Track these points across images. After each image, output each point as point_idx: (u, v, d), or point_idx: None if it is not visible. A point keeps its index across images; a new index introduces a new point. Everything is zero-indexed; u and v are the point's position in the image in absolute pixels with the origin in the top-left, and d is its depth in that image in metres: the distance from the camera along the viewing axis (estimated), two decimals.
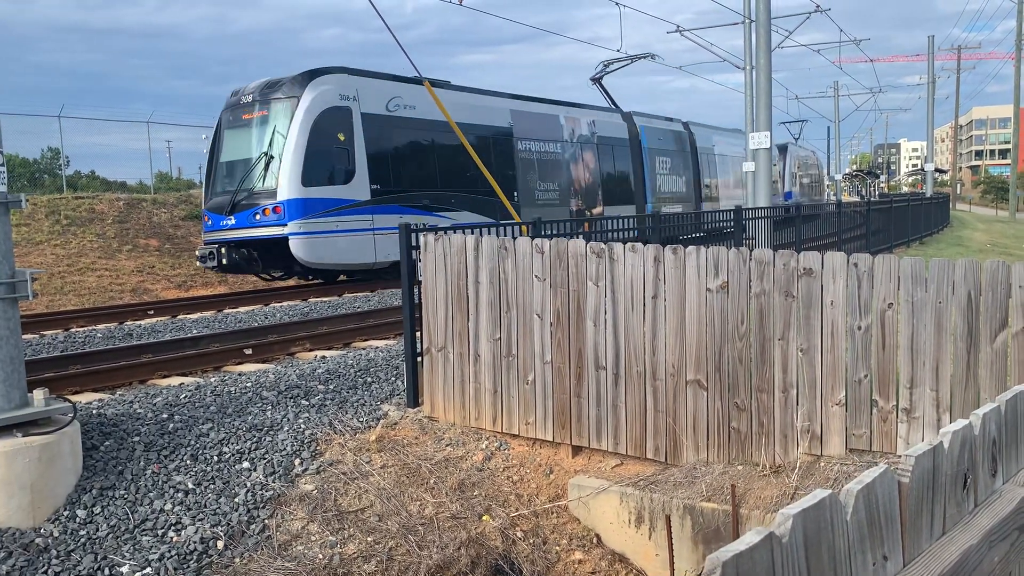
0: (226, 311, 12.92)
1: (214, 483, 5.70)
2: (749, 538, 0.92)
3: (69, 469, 5.35)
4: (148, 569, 4.85)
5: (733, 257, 5.61)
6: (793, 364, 5.47)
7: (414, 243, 6.91)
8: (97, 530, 5.08)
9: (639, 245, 5.89)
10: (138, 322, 11.80)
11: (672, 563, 5.16)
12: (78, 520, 5.12)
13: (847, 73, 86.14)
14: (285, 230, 14.32)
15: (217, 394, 6.94)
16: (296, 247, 14.45)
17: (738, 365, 5.62)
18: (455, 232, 6.71)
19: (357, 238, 15.28)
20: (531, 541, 5.56)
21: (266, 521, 5.43)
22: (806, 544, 1.01)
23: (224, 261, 14.88)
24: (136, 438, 5.98)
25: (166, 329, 11.04)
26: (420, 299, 6.92)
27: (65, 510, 5.16)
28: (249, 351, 8.85)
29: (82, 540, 4.98)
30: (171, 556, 4.98)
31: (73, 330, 11.04)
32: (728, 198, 29.65)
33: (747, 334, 5.57)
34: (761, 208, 14.05)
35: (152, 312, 12.63)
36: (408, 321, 7.01)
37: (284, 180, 14.41)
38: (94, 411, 6.33)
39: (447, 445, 6.42)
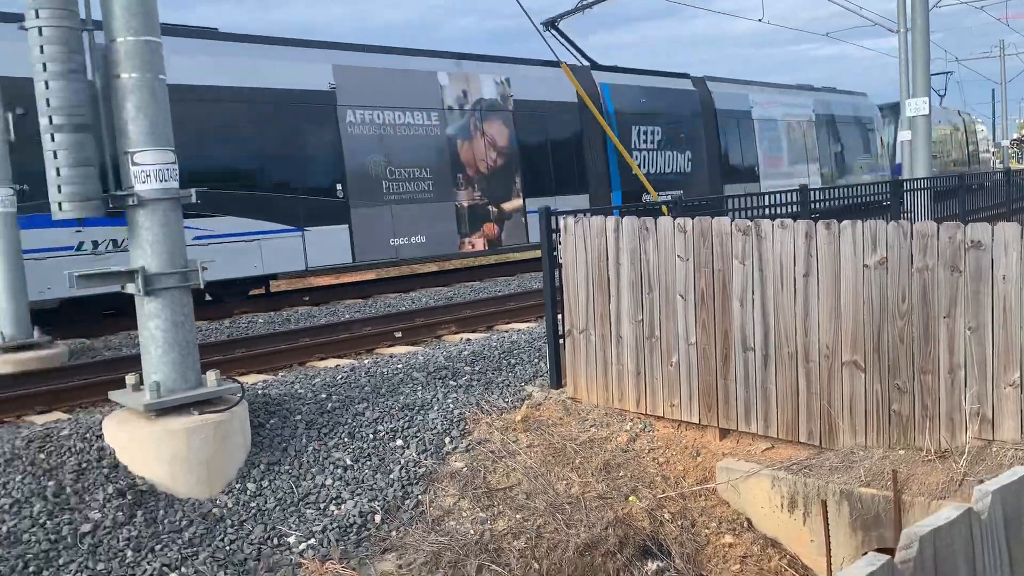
0: (375, 297, 13.46)
1: (370, 460, 5.96)
2: (947, 513, 0.88)
3: (239, 445, 5.73)
4: (312, 540, 5.14)
5: (892, 231, 5.31)
6: (960, 343, 5.13)
7: (554, 226, 6.95)
8: (266, 502, 5.43)
9: (788, 221, 5.69)
10: (295, 309, 12.47)
11: (828, 549, 4.98)
12: (248, 493, 5.48)
13: (1014, 30, 79.42)
14: None
15: (371, 375, 7.25)
16: None
17: (899, 345, 5.33)
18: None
19: None
20: (679, 523, 5.51)
21: (419, 497, 5.64)
22: (1006, 520, 0.96)
23: None
24: (298, 416, 6.33)
25: (321, 315, 11.62)
26: (561, 282, 6.96)
27: (237, 483, 5.53)
28: (399, 334, 9.19)
29: (253, 511, 5.34)
30: (333, 528, 5.26)
31: (236, 316, 11.79)
32: (779, 175, 22.48)
33: (908, 312, 5.28)
34: (920, 179, 13.23)
35: (307, 299, 13.30)
36: (550, 304, 7.07)
37: None
38: (259, 391, 6.75)
39: (591, 426, 6.44)
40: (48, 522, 4.86)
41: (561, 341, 7.02)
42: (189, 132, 11.54)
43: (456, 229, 15.08)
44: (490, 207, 15.65)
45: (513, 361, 7.94)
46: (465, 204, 15.28)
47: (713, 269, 5.98)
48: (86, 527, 4.88)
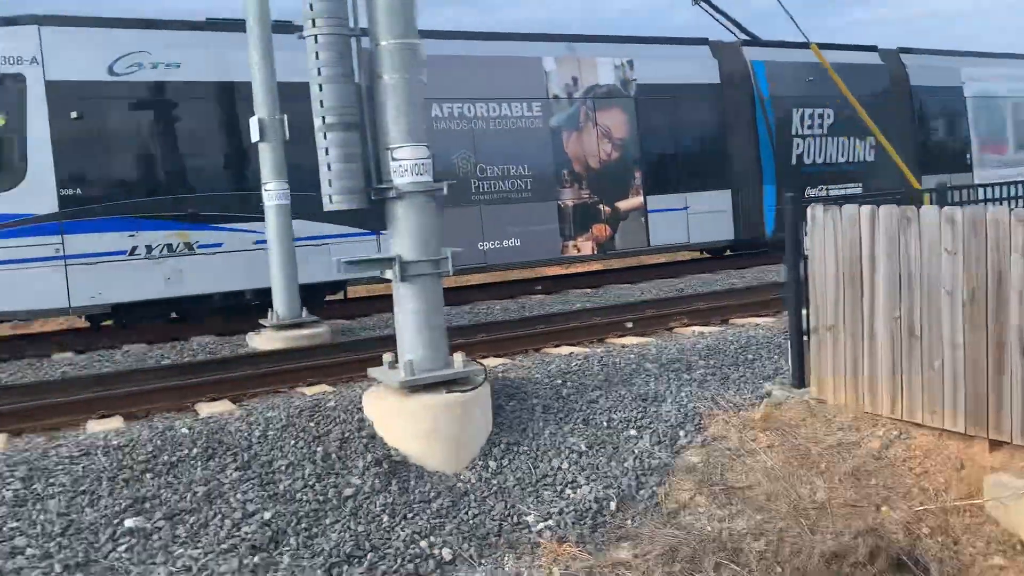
0: (604, 287, 13.56)
1: (604, 447, 6.02)
2: None
3: (481, 425, 6.02)
4: (550, 521, 5.29)
5: None
6: None
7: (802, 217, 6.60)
8: (506, 481, 5.66)
9: None
10: (528, 297, 12.87)
11: None
12: (490, 470, 5.74)
13: None
14: None
15: (604, 364, 7.32)
16: None
17: None
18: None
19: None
20: (939, 539, 5.07)
21: (655, 488, 5.62)
22: None
23: None
24: (535, 400, 6.53)
25: (553, 304, 11.90)
26: (805, 275, 6.61)
27: (479, 461, 5.81)
28: (630, 324, 9.20)
29: (494, 489, 5.58)
30: (569, 511, 5.38)
31: (475, 303, 12.37)
32: (998, 162, 18.82)
33: None
34: None
35: (539, 288, 13.67)
36: (793, 298, 6.74)
37: None
38: (499, 374, 7.04)
39: (838, 429, 6.08)
40: (317, 484, 5.37)
41: (805, 338, 6.68)
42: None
43: (558, 231, 13.63)
44: (601, 206, 14.04)
45: (750, 357, 7.68)
46: (570, 203, 13.84)
47: (987, 264, 5.41)
48: (348, 491, 5.35)
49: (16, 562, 4.44)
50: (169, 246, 10.75)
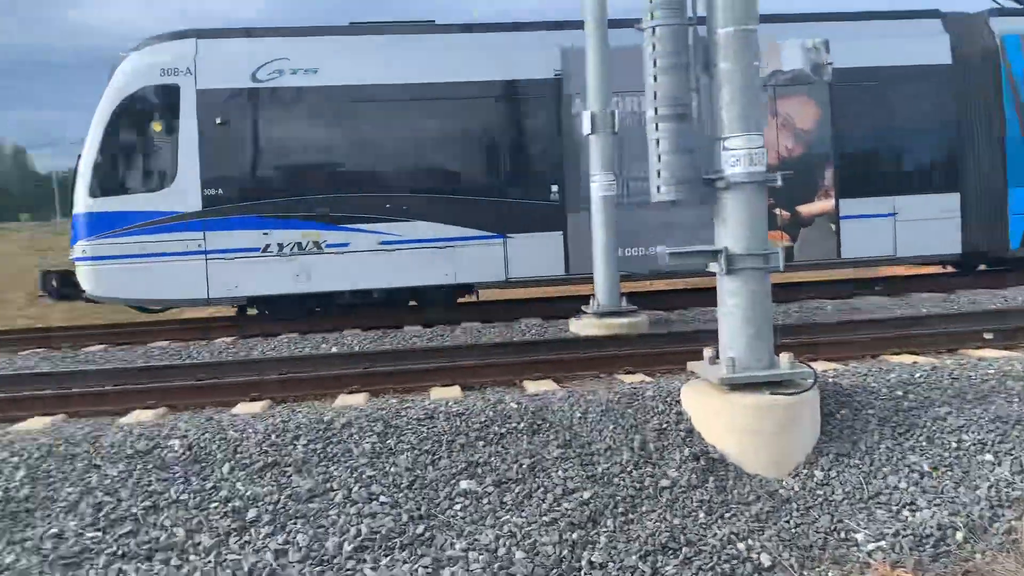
0: (956, 291, 12.11)
1: (951, 470, 5.39)
2: None
3: (808, 431, 5.67)
4: (883, 542, 4.86)
5: None
6: None
7: None
8: (832, 493, 5.29)
9: None
10: (864, 298, 11.92)
11: None
12: (815, 480, 5.40)
13: None
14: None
15: (954, 377, 6.54)
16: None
17: None
18: None
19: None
20: None
21: (1012, 523, 4.92)
22: None
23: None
24: (870, 411, 6.02)
25: (895, 306, 10.90)
26: None
27: (804, 468, 5.49)
28: (989, 336, 8.13)
29: (819, 500, 5.24)
30: (905, 535, 4.90)
31: (803, 301, 11.71)
32: None
33: None
34: None
35: (878, 288, 12.59)
36: None
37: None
38: (829, 379, 6.59)
39: None
40: (633, 471, 5.44)
41: None
42: (386, 132, 11.55)
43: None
44: (777, 210, 12.03)
45: None
46: None
47: None
48: (664, 482, 5.34)
49: (371, 507, 5.04)
50: (299, 244, 11.35)
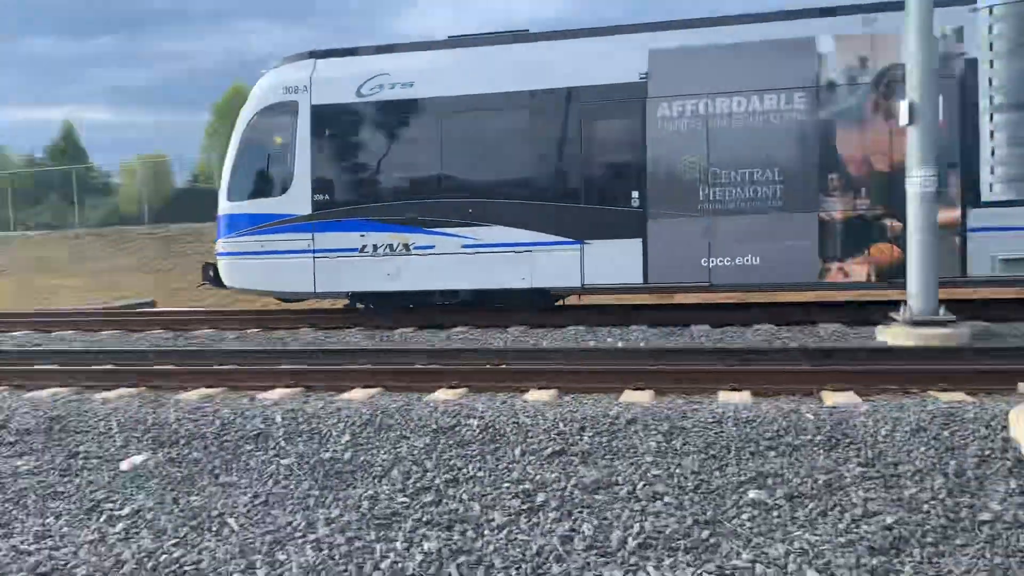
0: None
1: None
2: None
3: None
4: None
5: None
6: None
7: None
8: None
9: None
10: None
11: None
12: None
13: None
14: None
15: None
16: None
17: None
18: None
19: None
20: None
21: None
22: None
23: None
24: None
25: None
26: None
27: None
28: None
29: None
30: None
31: None
32: None
33: None
34: None
35: None
36: None
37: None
38: None
39: None
40: (947, 499, 4.90)
41: None
42: (470, 141, 12.14)
43: (816, 248, 11.20)
44: (886, 221, 10.93)
45: None
46: (837, 215, 11.11)
47: None
48: (985, 515, 4.75)
49: (655, 506, 5.04)
50: (390, 246, 12.35)
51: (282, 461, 5.91)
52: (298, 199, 12.59)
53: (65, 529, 5.29)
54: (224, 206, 13.04)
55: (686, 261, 11.54)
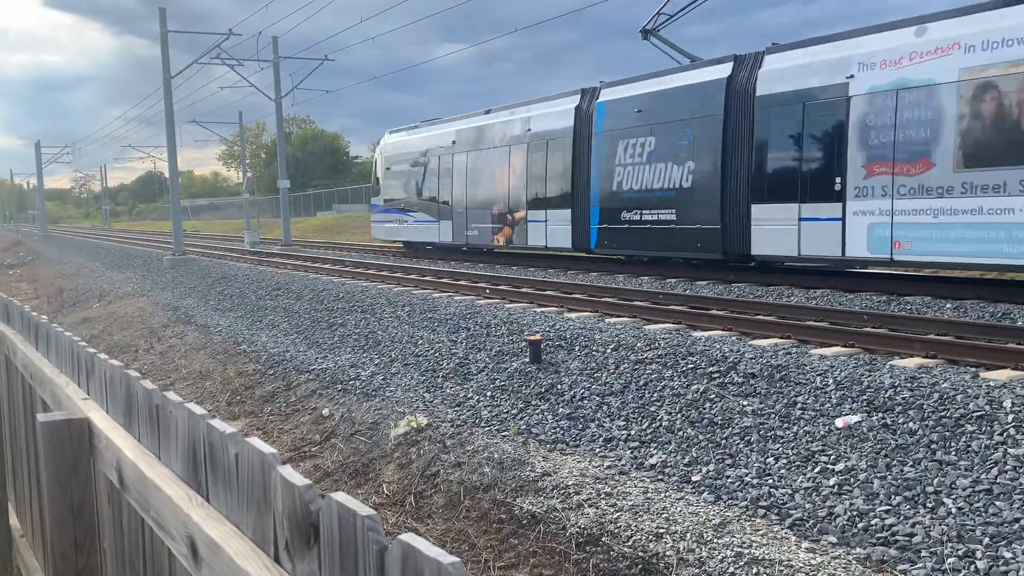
0: None
1: None
2: None
3: None
4: None
5: None
6: None
7: None
8: None
9: None
10: None
11: None
12: None
13: None
14: None
15: None
16: None
17: None
18: None
19: None
20: None
21: None
22: None
23: None
24: None
25: None
26: None
27: None
28: None
29: None
30: None
31: None
32: None
33: None
34: None
35: None
36: None
37: None
38: None
39: None
40: None
41: None
42: None
43: None
44: None
45: None
46: None
47: None
48: None
49: None
50: None
51: (1010, 450, 5.31)
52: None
53: (783, 472, 5.71)
54: None
55: None
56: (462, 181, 21.76)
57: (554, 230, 19.17)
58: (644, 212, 16.71)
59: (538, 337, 9.02)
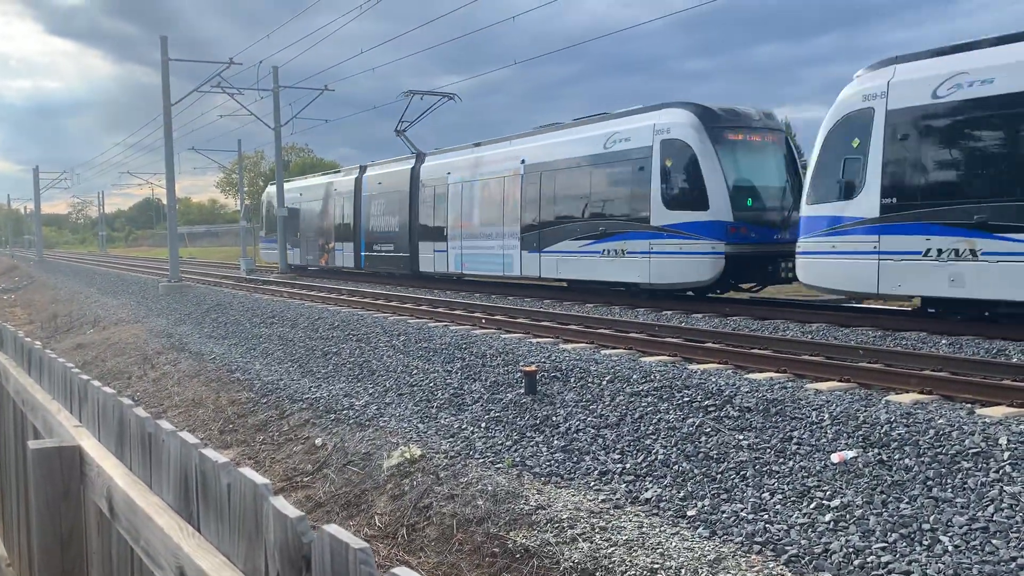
0: None
1: None
2: None
3: None
4: None
5: None
6: None
7: None
8: None
9: None
10: None
11: None
12: None
13: None
14: None
15: None
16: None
17: None
18: None
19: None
20: None
21: None
22: None
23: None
24: None
25: None
26: None
27: None
28: None
29: None
30: None
31: None
32: None
33: None
34: None
35: None
36: None
37: None
38: None
39: None
40: None
41: None
42: None
43: None
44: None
45: None
46: None
47: None
48: None
49: None
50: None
51: (1006, 488, 5.29)
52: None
53: (779, 507, 5.68)
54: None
55: None
56: (304, 222, 33.85)
57: (345, 255, 30.20)
58: (383, 245, 27.50)
59: (533, 368, 9.00)
